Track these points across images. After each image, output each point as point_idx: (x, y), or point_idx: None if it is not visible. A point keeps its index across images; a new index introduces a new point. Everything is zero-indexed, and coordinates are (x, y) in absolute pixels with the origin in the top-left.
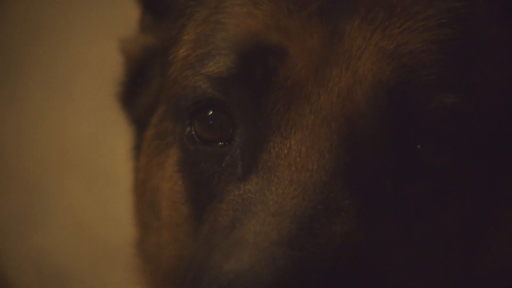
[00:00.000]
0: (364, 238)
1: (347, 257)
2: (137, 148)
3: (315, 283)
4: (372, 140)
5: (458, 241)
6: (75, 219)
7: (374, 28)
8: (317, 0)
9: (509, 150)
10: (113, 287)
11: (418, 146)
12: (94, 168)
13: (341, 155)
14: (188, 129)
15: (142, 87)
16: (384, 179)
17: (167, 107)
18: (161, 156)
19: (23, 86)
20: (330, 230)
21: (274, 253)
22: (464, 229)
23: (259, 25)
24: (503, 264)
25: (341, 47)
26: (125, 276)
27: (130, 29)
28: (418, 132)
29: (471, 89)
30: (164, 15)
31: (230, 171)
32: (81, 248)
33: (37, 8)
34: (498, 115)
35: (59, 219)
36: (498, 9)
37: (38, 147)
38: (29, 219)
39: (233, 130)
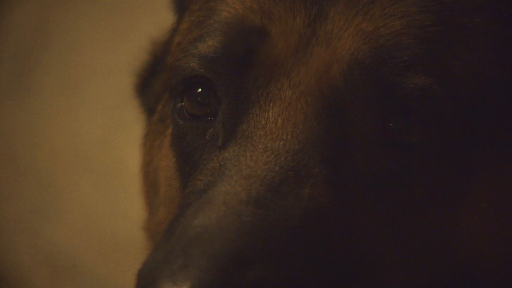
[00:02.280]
0: (332, 204)
1: (314, 219)
2: (147, 136)
3: (280, 239)
4: (345, 114)
5: (427, 214)
6: (86, 213)
7: (357, 11)
8: None
9: (480, 130)
10: (121, 276)
11: (391, 124)
12: (104, 166)
13: (315, 127)
14: (179, 105)
15: (154, 77)
16: (355, 151)
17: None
18: (161, 137)
19: (37, 88)
20: (298, 193)
21: (241, 210)
22: (433, 203)
23: (246, 10)
24: (474, 237)
25: (323, 29)
26: (132, 266)
27: (138, 34)
28: (390, 110)
29: (445, 73)
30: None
31: (212, 143)
32: (91, 241)
33: (51, 15)
34: (473, 98)
35: (70, 214)
36: (485, 1)
37: (51, 145)
38: (42, 213)
39: (218, 106)
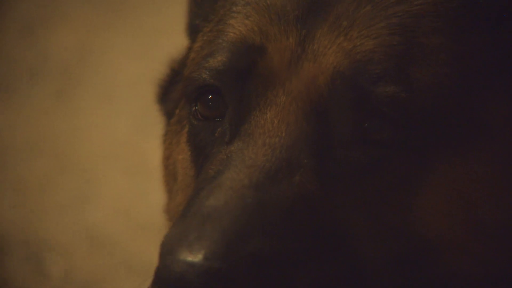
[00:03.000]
0: (318, 188)
1: (303, 201)
2: (166, 135)
3: (275, 217)
4: (329, 116)
5: (394, 196)
6: (118, 199)
7: (338, 33)
8: (293, 11)
9: (438, 130)
10: (146, 249)
11: (366, 125)
12: (132, 160)
13: (304, 126)
14: (194, 109)
15: (173, 87)
16: (337, 146)
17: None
18: (178, 136)
19: (80, 97)
20: (290, 180)
21: (244, 193)
22: (398, 187)
23: (248, 31)
24: (431, 215)
25: (311, 47)
26: (154, 241)
27: (160, 53)
28: (365, 113)
29: (409, 83)
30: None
31: (220, 139)
32: (122, 221)
33: (90, 38)
34: (432, 104)
35: (105, 199)
36: (442, 24)
37: (90, 144)
38: (83, 199)
39: (225, 109)
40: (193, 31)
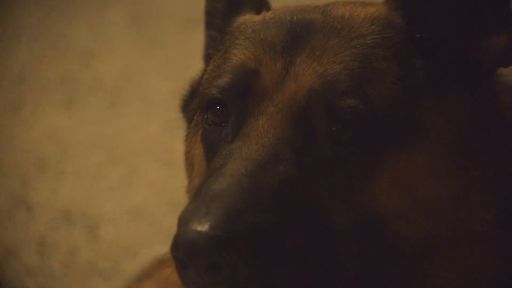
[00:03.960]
0: (297, 175)
1: (286, 185)
2: (187, 136)
3: (265, 198)
4: (306, 122)
5: (355, 181)
6: (154, 183)
7: (313, 60)
8: (280, 44)
9: (387, 131)
10: (175, 223)
11: (333, 128)
12: (164, 154)
13: (287, 130)
14: (205, 116)
15: (192, 100)
16: (311, 144)
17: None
18: (195, 136)
19: (125, 108)
20: (276, 169)
21: (241, 180)
22: (358, 175)
23: (246, 59)
24: (383, 196)
25: (293, 70)
26: None
27: (183, 75)
28: (333, 120)
29: (366, 97)
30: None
31: (225, 139)
32: (156, 201)
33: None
34: (383, 113)
35: (144, 184)
36: (389, 53)
37: (133, 142)
38: (127, 183)
39: (229, 117)
40: (207, 58)
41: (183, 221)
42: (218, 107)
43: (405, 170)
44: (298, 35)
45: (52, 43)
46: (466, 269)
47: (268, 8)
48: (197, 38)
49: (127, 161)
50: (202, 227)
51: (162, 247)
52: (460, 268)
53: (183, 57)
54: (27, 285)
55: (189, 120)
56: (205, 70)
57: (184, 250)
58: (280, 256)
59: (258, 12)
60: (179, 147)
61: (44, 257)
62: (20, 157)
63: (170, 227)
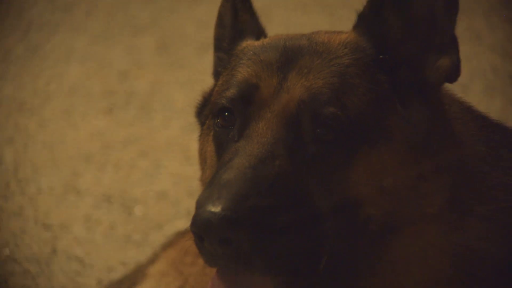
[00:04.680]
0: (290, 168)
1: (281, 175)
2: (200, 136)
3: (264, 186)
4: (296, 126)
5: (335, 172)
6: (176, 173)
7: (301, 76)
8: (276, 64)
9: (360, 132)
10: (193, 205)
11: (318, 130)
12: (183, 150)
13: (281, 131)
14: (216, 121)
15: (204, 108)
16: (301, 144)
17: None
18: (207, 136)
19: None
20: (273, 163)
21: (246, 171)
22: (337, 167)
23: (249, 75)
24: (358, 184)
25: (286, 84)
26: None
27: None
28: (317, 124)
29: (343, 106)
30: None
31: (232, 139)
32: (178, 187)
33: (157, 80)
34: (356, 118)
35: (169, 173)
36: (360, 71)
37: (159, 141)
38: (155, 173)
39: (235, 121)
40: (216, 74)
41: (200, 204)
42: (226, 113)
43: (374, 163)
44: (289, 57)
45: (96, 62)
46: (421, 243)
47: (265, 35)
48: (208, 60)
49: (155, 155)
50: (216, 208)
51: (182, 223)
52: (417, 242)
53: (197, 74)
54: (77, 253)
55: (202, 123)
56: (215, 85)
57: (201, 227)
58: (276, 232)
59: (257, 38)
60: (194, 146)
61: (90, 231)
62: (71, 153)
63: (188, 207)
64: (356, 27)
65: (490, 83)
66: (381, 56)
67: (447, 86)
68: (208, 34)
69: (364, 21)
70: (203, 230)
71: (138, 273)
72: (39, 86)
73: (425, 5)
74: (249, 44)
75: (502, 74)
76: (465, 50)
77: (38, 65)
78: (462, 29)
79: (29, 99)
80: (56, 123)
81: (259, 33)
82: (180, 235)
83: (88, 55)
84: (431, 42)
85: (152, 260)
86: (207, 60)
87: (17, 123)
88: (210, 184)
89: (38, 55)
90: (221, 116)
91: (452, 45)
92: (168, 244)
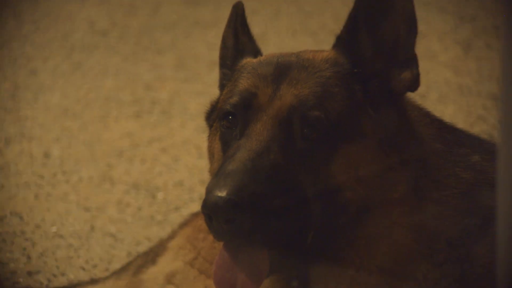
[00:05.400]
0: (282, 161)
1: (275, 166)
2: (209, 136)
3: (261, 175)
4: (287, 127)
5: (319, 165)
6: (191, 167)
7: (291, 86)
8: (270, 76)
9: (339, 131)
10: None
11: (305, 130)
12: (197, 147)
13: (275, 131)
14: (222, 123)
15: (212, 113)
16: (291, 141)
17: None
18: (215, 136)
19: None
20: (268, 156)
21: (246, 163)
22: (321, 160)
23: (248, 85)
24: (338, 175)
25: (278, 93)
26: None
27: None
28: (305, 125)
29: (325, 110)
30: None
31: (235, 138)
32: (193, 177)
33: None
34: (336, 120)
35: (185, 167)
36: (338, 81)
37: (177, 140)
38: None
39: (237, 123)
40: (222, 87)
41: (209, 190)
42: (230, 117)
43: (350, 157)
44: (281, 71)
45: (126, 76)
46: (388, 222)
47: (261, 54)
48: (216, 75)
49: (173, 151)
50: (221, 193)
51: (195, 206)
52: (385, 221)
53: (207, 87)
54: (111, 230)
55: (210, 126)
56: (220, 95)
57: (210, 208)
58: (271, 213)
59: (255, 56)
60: (205, 144)
61: (121, 212)
62: (106, 149)
63: (200, 193)
64: (335, 46)
65: (443, 93)
66: (355, 70)
67: (409, 95)
68: (216, 54)
69: (341, 41)
70: (211, 211)
71: (160, 246)
72: (81, 95)
73: (391, 29)
74: (248, 61)
75: (453, 86)
76: (423, 66)
77: (80, 79)
78: (420, 49)
79: (73, 106)
80: (94, 125)
81: (256, 52)
82: (194, 216)
83: (120, 71)
84: (396, 59)
85: (171, 236)
86: (215, 75)
87: (63, 126)
88: (217, 174)
89: (80, 71)
90: (226, 119)
91: (412, 62)
92: (184, 223)
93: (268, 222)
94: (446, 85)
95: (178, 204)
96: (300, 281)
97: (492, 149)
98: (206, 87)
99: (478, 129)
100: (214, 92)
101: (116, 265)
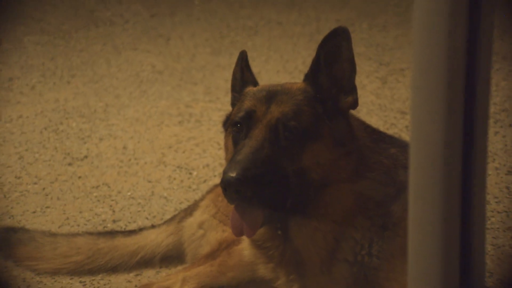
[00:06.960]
0: (273, 155)
1: (268, 158)
2: (225, 137)
3: (259, 163)
4: (275, 131)
5: (297, 156)
6: (211, 160)
7: (277, 106)
8: (263, 99)
9: (308, 133)
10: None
11: (286, 133)
12: (216, 145)
13: (267, 135)
14: (233, 129)
15: (227, 122)
16: (277, 141)
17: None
18: (229, 136)
19: (201, 127)
20: (263, 151)
21: (248, 155)
22: (297, 153)
23: (250, 105)
24: (309, 164)
25: (269, 110)
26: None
27: (222, 112)
28: (286, 130)
29: (299, 121)
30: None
31: (241, 138)
32: (215, 164)
33: (205, 108)
34: (306, 127)
35: (211, 157)
36: (307, 102)
37: (203, 140)
38: (198, 158)
39: (243, 128)
40: (233, 105)
41: (225, 171)
42: (238, 125)
43: (314, 150)
44: (271, 95)
45: (174, 99)
46: (339, 192)
47: (258, 84)
48: (229, 98)
49: (203, 146)
50: (232, 174)
51: (217, 180)
52: (337, 192)
53: (225, 105)
54: (164, 194)
55: (225, 130)
56: (232, 110)
57: (225, 183)
58: (264, 186)
59: (254, 86)
60: (222, 141)
61: (171, 183)
62: (161, 144)
63: (220, 172)
64: (305, 80)
65: (370, 110)
66: (317, 95)
67: (352, 111)
68: (230, 85)
69: (308, 77)
70: (226, 185)
71: (195, 205)
72: (146, 110)
73: (340, 69)
74: (250, 89)
75: (376, 105)
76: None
77: (145, 100)
78: (357, 82)
79: (141, 117)
80: (154, 129)
81: (255, 83)
82: (215, 186)
83: (170, 95)
84: (343, 88)
85: (201, 198)
86: (229, 98)
87: (135, 129)
88: (230, 162)
89: (146, 95)
90: (236, 126)
91: (353, 90)
92: (210, 190)
93: (262, 192)
94: (372, 104)
95: (206, 179)
96: (283, 229)
97: (403, 144)
98: (224, 106)
99: (392, 132)
100: (228, 108)
101: (167, 217)
